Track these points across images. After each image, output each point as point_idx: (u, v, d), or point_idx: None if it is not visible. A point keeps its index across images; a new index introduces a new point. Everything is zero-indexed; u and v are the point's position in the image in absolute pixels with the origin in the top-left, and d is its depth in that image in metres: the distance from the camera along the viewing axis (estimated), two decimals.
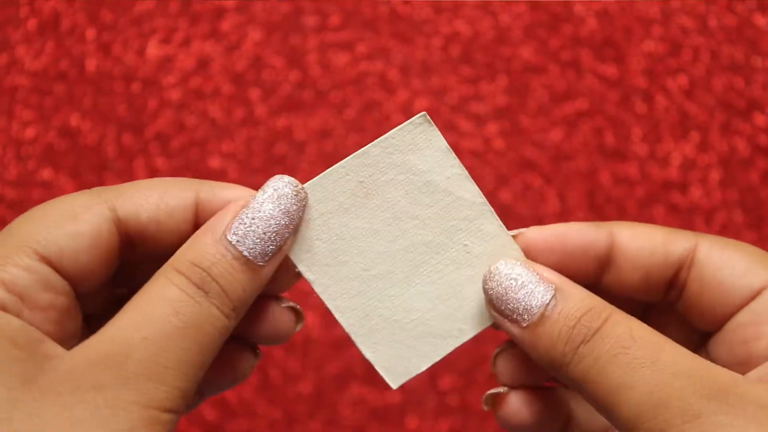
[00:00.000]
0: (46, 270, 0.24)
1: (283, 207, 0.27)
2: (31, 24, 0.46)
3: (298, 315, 0.30)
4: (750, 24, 0.51)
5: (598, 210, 0.52)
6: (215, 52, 0.47)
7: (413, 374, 0.34)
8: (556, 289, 0.26)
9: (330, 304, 0.33)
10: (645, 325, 0.25)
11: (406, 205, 0.33)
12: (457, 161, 0.32)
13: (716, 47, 0.51)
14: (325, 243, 0.33)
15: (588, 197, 0.52)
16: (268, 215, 0.27)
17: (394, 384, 0.33)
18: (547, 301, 0.26)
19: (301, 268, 0.32)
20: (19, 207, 0.48)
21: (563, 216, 0.52)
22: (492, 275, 0.29)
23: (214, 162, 0.49)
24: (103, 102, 0.47)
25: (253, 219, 0.26)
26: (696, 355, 0.25)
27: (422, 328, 0.33)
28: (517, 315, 0.27)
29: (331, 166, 0.30)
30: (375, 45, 0.48)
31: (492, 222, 0.32)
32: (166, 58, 0.47)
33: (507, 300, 0.28)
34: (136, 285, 0.26)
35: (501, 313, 0.28)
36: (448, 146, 0.32)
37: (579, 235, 0.28)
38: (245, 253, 0.26)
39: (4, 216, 0.48)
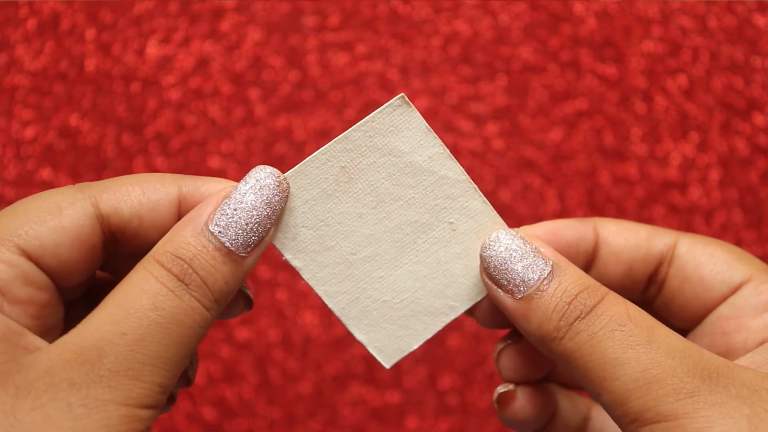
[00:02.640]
0: (27, 264, 0.24)
1: (265, 198, 0.27)
2: (31, 24, 0.46)
3: (248, 302, 0.30)
4: (749, 24, 0.51)
5: (597, 210, 0.52)
6: (215, 52, 0.47)
7: (406, 353, 0.34)
8: (553, 265, 0.27)
9: (319, 290, 0.33)
10: (638, 308, 0.26)
11: (389, 187, 0.33)
12: (437, 140, 0.32)
13: (716, 47, 0.51)
14: (310, 230, 0.33)
15: (588, 197, 0.52)
16: (251, 206, 0.27)
17: (387, 364, 0.34)
18: (545, 276, 0.26)
19: (288, 255, 0.32)
20: None
21: (563, 216, 0.52)
22: (491, 244, 0.29)
23: (214, 162, 0.48)
24: (102, 102, 0.47)
25: (235, 210, 0.26)
26: (686, 340, 0.25)
27: (412, 306, 0.34)
28: (513, 286, 0.27)
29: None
30: (374, 45, 0.48)
31: (476, 199, 0.32)
32: (165, 58, 0.47)
33: (505, 270, 0.28)
34: (121, 275, 0.25)
35: (496, 282, 0.28)
36: (428, 126, 0.32)
37: (569, 231, 0.29)
38: (227, 244, 0.25)
39: None
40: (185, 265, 0.24)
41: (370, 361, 0.51)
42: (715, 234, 0.53)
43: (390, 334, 0.35)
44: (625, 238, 0.29)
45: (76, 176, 0.48)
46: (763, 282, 0.27)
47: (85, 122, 0.47)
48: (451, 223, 0.33)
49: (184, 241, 0.25)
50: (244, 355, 0.51)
